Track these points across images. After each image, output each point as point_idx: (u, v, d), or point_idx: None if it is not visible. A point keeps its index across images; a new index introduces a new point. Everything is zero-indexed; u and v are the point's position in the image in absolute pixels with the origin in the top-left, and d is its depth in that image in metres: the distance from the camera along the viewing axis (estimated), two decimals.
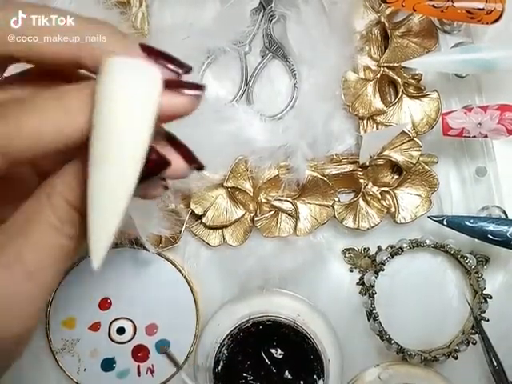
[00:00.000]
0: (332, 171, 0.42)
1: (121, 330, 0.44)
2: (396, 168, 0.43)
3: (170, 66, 0.21)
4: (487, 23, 0.37)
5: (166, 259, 0.44)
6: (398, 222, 0.42)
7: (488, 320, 0.41)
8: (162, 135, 0.21)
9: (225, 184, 0.42)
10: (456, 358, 0.41)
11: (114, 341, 0.44)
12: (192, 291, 0.44)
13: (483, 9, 0.36)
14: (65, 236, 0.21)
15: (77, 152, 0.21)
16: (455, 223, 0.40)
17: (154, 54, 0.21)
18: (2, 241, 0.21)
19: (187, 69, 0.21)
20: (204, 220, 0.42)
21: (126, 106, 0.19)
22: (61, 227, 0.21)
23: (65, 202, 0.21)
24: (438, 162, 0.42)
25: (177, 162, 0.21)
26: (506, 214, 0.42)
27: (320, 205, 0.42)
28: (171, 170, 0.21)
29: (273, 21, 0.43)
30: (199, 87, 0.20)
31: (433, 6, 0.37)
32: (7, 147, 0.20)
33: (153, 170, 0.20)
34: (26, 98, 0.21)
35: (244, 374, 0.42)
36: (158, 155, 0.20)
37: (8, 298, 0.21)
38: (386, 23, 0.41)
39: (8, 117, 0.20)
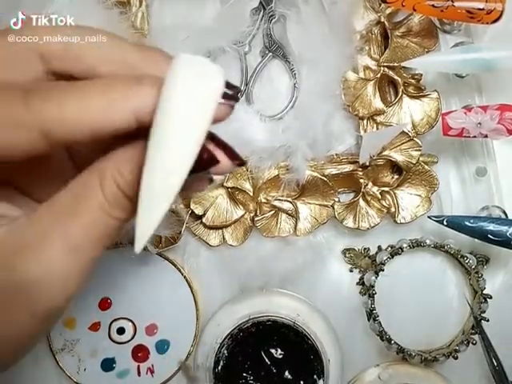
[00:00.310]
0: (332, 171, 0.42)
1: (121, 330, 0.44)
2: (396, 168, 0.43)
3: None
4: (487, 23, 0.37)
5: (166, 259, 0.44)
6: (398, 222, 0.42)
7: (488, 320, 0.41)
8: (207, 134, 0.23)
9: (225, 184, 0.42)
10: (456, 358, 0.41)
11: (113, 341, 0.44)
12: (192, 291, 0.44)
13: (483, 8, 0.36)
14: (113, 218, 0.22)
15: (116, 140, 0.21)
16: (455, 223, 0.40)
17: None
18: (49, 216, 0.22)
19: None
20: (204, 220, 0.42)
21: (190, 102, 0.20)
22: (110, 211, 0.22)
23: (116, 187, 0.21)
24: (437, 161, 0.42)
25: (222, 159, 0.22)
26: (506, 214, 0.42)
27: (320, 205, 0.42)
28: (217, 167, 0.22)
29: (273, 21, 0.43)
30: (237, 99, 0.22)
31: (433, 5, 0.37)
32: (49, 129, 0.20)
33: (203, 166, 0.22)
34: (72, 83, 0.21)
35: (244, 374, 0.42)
36: (209, 153, 0.22)
37: (50, 268, 0.21)
38: (386, 23, 0.41)
39: (52, 99, 0.20)
